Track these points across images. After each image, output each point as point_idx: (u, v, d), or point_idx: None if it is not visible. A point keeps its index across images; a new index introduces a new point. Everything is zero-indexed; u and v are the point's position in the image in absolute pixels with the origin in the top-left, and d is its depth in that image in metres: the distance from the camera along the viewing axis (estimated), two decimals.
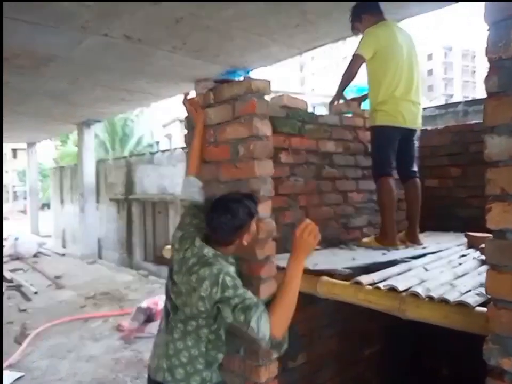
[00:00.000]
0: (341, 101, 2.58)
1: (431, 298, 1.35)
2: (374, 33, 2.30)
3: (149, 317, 4.44)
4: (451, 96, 47.66)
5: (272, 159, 1.80)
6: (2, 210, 5.22)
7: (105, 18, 3.20)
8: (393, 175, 2.38)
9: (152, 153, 8.05)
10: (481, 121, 3.15)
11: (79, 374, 3.33)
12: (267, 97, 1.82)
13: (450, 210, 3.03)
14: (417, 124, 2.42)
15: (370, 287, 1.54)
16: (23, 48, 3.79)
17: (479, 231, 2.56)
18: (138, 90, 5.66)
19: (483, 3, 1.11)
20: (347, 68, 2.37)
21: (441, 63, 51.92)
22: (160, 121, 22.75)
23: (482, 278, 1.53)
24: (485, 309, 1.16)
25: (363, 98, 2.72)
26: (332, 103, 2.59)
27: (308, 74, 57.14)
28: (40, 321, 4.63)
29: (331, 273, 1.75)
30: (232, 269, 1.50)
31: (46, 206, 23.54)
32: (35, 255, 9.21)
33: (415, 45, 2.44)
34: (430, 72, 51.99)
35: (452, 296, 1.33)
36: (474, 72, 53.93)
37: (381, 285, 1.50)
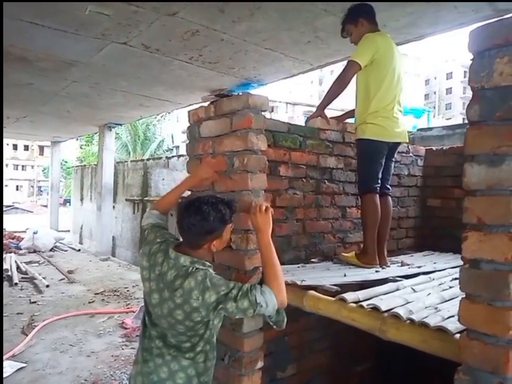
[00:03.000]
0: (319, 118, 2.48)
1: (412, 321, 1.35)
2: (374, 40, 2.20)
3: None
4: None
5: (265, 173, 1.87)
6: (2, 208, 5.44)
7: (124, 27, 3.35)
8: (378, 191, 2.32)
9: (168, 158, 8.24)
10: None
11: (78, 368, 3.44)
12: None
13: (451, 231, 3.01)
14: (404, 137, 2.37)
15: (354, 304, 1.55)
16: (46, 52, 3.99)
17: None
18: (156, 97, 5.84)
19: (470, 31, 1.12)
20: (340, 75, 2.24)
21: (460, 82, 51.57)
22: (181, 127, 23.19)
23: None
24: (464, 335, 1.14)
25: (349, 115, 2.69)
26: (310, 118, 2.53)
27: (327, 88, 57.08)
28: (49, 314, 4.79)
29: (318, 287, 1.79)
30: (211, 271, 1.50)
31: (68, 202, 24.19)
32: (52, 249, 9.48)
33: (403, 62, 2.42)
34: (449, 90, 51.80)
35: (433, 321, 1.32)
36: None
37: (364, 304, 1.52)
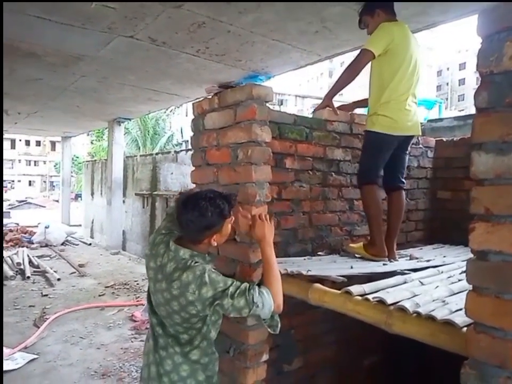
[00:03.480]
0: (327, 109, 2.41)
1: (418, 314, 1.32)
2: (389, 29, 2.13)
3: None
4: None
5: (270, 165, 1.84)
6: (2, 205, 5.51)
7: (130, 20, 3.34)
8: (379, 183, 2.29)
9: (176, 152, 8.26)
10: None
11: (88, 360, 3.49)
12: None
13: (462, 224, 2.92)
14: (416, 130, 2.29)
15: (359, 297, 1.52)
16: (54, 47, 4.02)
17: None
18: (164, 91, 5.84)
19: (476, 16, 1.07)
20: (351, 63, 2.16)
21: (473, 73, 50.73)
22: (190, 121, 23.18)
23: None
24: (471, 329, 1.11)
25: (357, 105, 2.63)
26: (317, 108, 2.47)
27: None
28: (60, 306, 4.87)
29: (324, 280, 1.77)
30: (210, 267, 1.50)
31: (79, 196, 24.57)
32: (63, 243, 9.62)
33: (422, 54, 2.34)
34: (462, 81, 51.08)
35: (440, 314, 1.29)
36: None
37: (370, 297, 1.49)
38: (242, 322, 1.76)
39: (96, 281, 6.28)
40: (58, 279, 6.17)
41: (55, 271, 6.55)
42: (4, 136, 7.57)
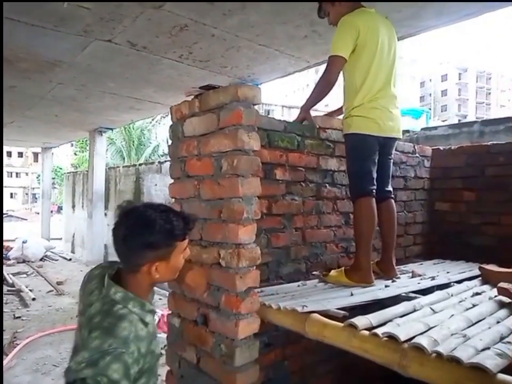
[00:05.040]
0: (305, 123, 2.17)
1: (438, 354, 1.09)
2: (351, 23, 1.88)
3: None
4: (465, 116, 48.29)
5: (259, 177, 1.62)
6: (2, 212, 5.15)
7: (107, 22, 3.12)
8: (374, 193, 1.99)
9: (160, 163, 8.00)
10: (500, 142, 2.90)
11: None
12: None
13: (462, 237, 2.79)
14: (397, 131, 2.04)
15: (366, 332, 1.28)
16: (26, 51, 3.76)
17: (494, 263, 2.33)
18: (147, 99, 5.61)
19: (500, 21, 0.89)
20: (323, 75, 1.94)
21: (455, 84, 52.38)
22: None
23: (503, 327, 1.29)
24: (509, 378, 0.91)
25: (340, 112, 2.35)
26: (295, 121, 2.20)
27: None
28: (33, 330, 4.50)
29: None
30: (141, 328, 1.08)
31: (62, 209, 23.96)
32: (42, 259, 9.19)
33: (396, 38, 2.08)
34: (444, 92, 52.87)
35: (465, 354, 1.07)
36: (489, 93, 54.52)
37: (379, 331, 1.25)
38: (229, 362, 1.51)
39: (74, 300, 5.90)
40: (34, 299, 5.77)
41: (30, 290, 6.15)
42: None
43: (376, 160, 2.01)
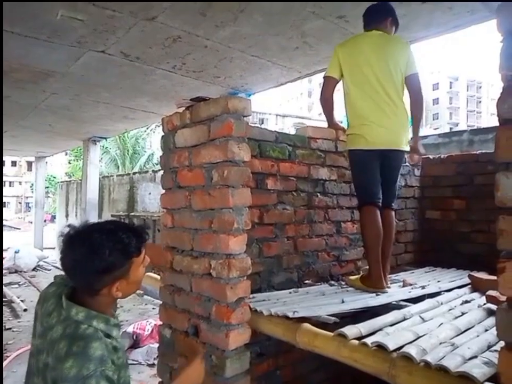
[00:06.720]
0: (310, 126, 2.46)
1: (426, 363, 1.11)
2: (335, 50, 2.17)
3: (134, 342, 4.25)
4: (456, 124, 49.04)
5: (249, 187, 1.64)
6: (2, 220, 5.12)
7: (100, 33, 3.14)
8: (379, 203, 2.09)
9: (154, 171, 8.00)
10: (488, 151, 2.94)
11: None
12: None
13: (452, 245, 2.82)
14: (395, 144, 2.10)
15: (356, 341, 1.30)
16: (20, 62, 3.76)
17: (484, 270, 2.35)
18: (140, 109, 5.62)
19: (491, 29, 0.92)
20: (320, 92, 2.25)
21: (446, 93, 53.27)
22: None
23: (490, 336, 1.30)
24: None
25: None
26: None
27: (316, 100, 58.39)
28: (24, 341, 4.44)
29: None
30: (109, 342, 1.05)
31: (55, 218, 23.78)
32: (34, 269, 9.11)
33: (399, 51, 2.12)
34: (436, 101, 53.69)
35: (453, 363, 1.09)
36: (480, 102, 55.51)
37: (368, 341, 1.26)
38: (220, 373, 1.51)
39: None
40: (25, 310, 5.71)
41: (22, 300, 6.09)
42: None
43: (376, 172, 2.12)
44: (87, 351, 0.96)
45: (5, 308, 5.85)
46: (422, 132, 2.30)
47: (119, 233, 1.07)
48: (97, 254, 1.01)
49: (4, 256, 9.33)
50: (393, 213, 2.23)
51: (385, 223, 2.16)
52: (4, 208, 41.64)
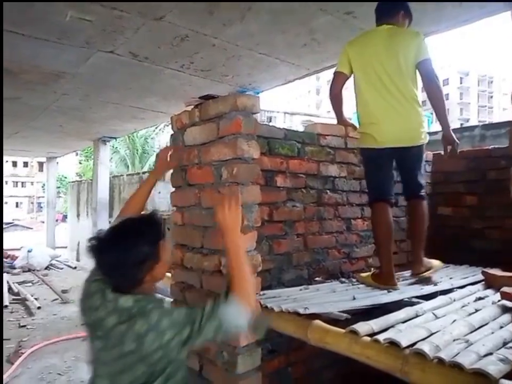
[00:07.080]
0: (320, 123, 2.45)
1: (440, 360, 1.09)
2: (344, 47, 2.17)
3: None
4: (467, 120, 48.39)
5: (259, 184, 1.64)
6: (2, 217, 5.20)
7: (109, 34, 3.16)
8: (390, 200, 2.11)
9: None
10: (501, 146, 2.89)
11: None
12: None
13: (464, 241, 2.79)
14: (407, 141, 2.06)
15: (368, 338, 1.29)
16: (29, 63, 3.81)
17: (497, 267, 2.32)
18: (149, 109, 5.66)
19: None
20: (329, 88, 2.27)
21: (456, 88, 52.62)
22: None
23: (506, 333, 1.29)
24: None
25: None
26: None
27: (324, 98, 58.07)
28: (38, 338, 4.52)
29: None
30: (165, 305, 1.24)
31: (66, 217, 24.10)
32: (47, 268, 9.22)
33: (409, 45, 2.04)
34: (446, 96, 53.51)
35: (467, 359, 1.07)
36: (491, 97, 54.56)
37: (380, 337, 1.25)
38: (231, 370, 1.52)
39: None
40: (39, 307, 5.80)
41: (36, 298, 6.18)
42: None
43: (388, 170, 2.14)
44: (148, 318, 1.12)
45: (19, 306, 5.95)
46: (448, 119, 2.16)
47: (142, 227, 1.21)
48: (131, 251, 1.15)
49: (17, 255, 9.50)
50: (423, 201, 2.18)
51: (413, 213, 2.21)
52: (16, 208, 42.30)
